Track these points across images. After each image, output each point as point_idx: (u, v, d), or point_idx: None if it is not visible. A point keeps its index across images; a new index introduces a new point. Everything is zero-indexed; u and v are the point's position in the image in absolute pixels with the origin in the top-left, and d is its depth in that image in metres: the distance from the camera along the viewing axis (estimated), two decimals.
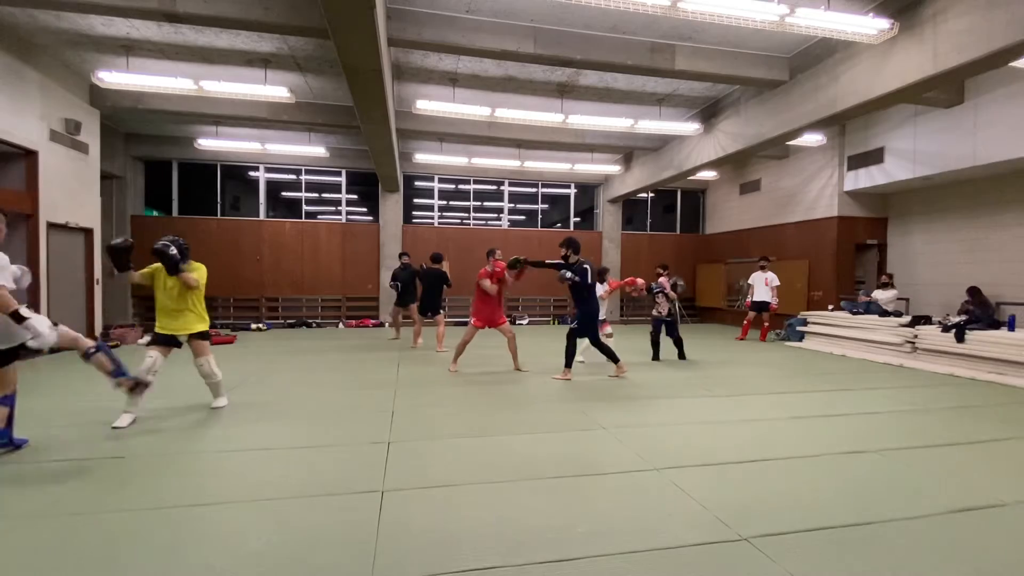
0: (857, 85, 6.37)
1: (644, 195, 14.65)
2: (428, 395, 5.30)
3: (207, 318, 4.62)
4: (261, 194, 12.82)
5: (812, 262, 10.91)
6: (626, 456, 3.54)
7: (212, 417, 4.40)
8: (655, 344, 7.83)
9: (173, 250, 4.24)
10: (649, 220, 15.10)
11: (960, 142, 8.05)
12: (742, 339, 10.34)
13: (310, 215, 13.18)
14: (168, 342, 4.39)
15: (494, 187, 14.22)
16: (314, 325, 12.32)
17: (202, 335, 4.51)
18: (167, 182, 12.37)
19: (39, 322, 3.28)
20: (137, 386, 3.88)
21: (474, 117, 9.37)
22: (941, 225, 9.46)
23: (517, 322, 13.12)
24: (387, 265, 12.48)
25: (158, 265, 4.33)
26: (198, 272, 4.44)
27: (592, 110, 9.55)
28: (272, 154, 12.18)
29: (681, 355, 7.75)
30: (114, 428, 3.98)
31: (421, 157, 12.12)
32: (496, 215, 14.35)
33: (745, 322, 10.46)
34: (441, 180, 13.81)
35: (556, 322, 13.82)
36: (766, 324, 10.22)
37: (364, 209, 13.62)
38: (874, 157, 9.57)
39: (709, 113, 9.62)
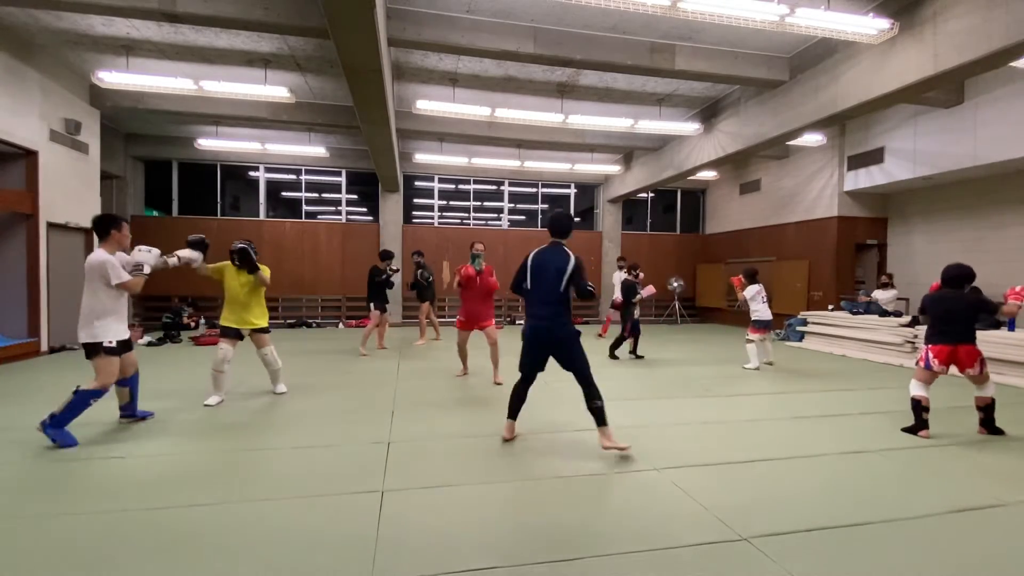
0: (857, 85, 6.36)
1: (644, 195, 14.64)
2: (428, 395, 5.30)
3: (267, 314, 5.06)
4: (261, 194, 12.83)
5: (812, 262, 10.90)
6: (626, 456, 3.54)
7: (210, 418, 4.40)
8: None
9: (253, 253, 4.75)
10: (649, 220, 15.10)
11: (960, 142, 8.05)
12: (602, 336, 10.21)
13: (310, 215, 13.18)
14: (234, 335, 4.80)
15: (494, 187, 14.22)
16: (314, 325, 12.32)
17: (263, 329, 4.97)
18: (167, 182, 12.38)
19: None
20: None
21: (474, 117, 9.37)
22: (941, 225, 9.46)
23: (517, 322, 13.11)
24: None
25: (228, 263, 4.76)
26: (266, 273, 4.95)
27: (592, 110, 9.55)
28: (272, 154, 12.17)
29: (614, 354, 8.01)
30: (205, 405, 4.62)
31: (421, 157, 12.11)
32: (496, 215, 14.35)
33: (607, 319, 10.81)
34: (441, 180, 13.81)
35: None
36: (609, 318, 10.49)
37: (364, 209, 13.62)
38: (874, 157, 9.56)
39: (709, 113, 9.61)
